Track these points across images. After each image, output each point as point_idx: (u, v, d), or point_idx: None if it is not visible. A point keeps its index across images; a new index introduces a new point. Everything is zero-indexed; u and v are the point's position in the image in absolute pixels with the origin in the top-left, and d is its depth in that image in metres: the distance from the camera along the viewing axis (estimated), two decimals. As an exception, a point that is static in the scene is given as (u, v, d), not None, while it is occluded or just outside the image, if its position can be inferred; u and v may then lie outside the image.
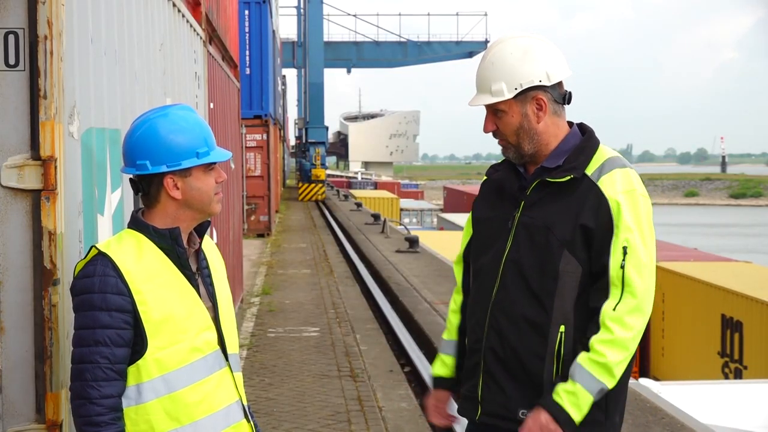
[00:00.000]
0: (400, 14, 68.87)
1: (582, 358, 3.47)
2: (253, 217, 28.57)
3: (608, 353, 3.44)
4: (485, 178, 3.95)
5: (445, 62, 78.64)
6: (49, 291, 3.53)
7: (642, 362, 21.62)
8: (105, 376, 3.11)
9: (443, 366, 4.00)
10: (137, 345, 3.17)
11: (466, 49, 74.73)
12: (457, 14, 75.13)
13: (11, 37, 3.54)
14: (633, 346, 3.49)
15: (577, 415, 3.45)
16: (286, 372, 10.78)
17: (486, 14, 72.33)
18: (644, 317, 3.49)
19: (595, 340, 3.45)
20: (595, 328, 3.48)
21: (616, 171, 3.57)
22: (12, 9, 3.53)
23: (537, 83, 3.62)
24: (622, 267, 3.47)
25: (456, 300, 4.04)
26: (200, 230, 3.47)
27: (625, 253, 3.48)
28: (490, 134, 3.74)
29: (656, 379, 15.33)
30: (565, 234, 3.53)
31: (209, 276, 3.45)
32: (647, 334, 21.46)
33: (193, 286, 3.32)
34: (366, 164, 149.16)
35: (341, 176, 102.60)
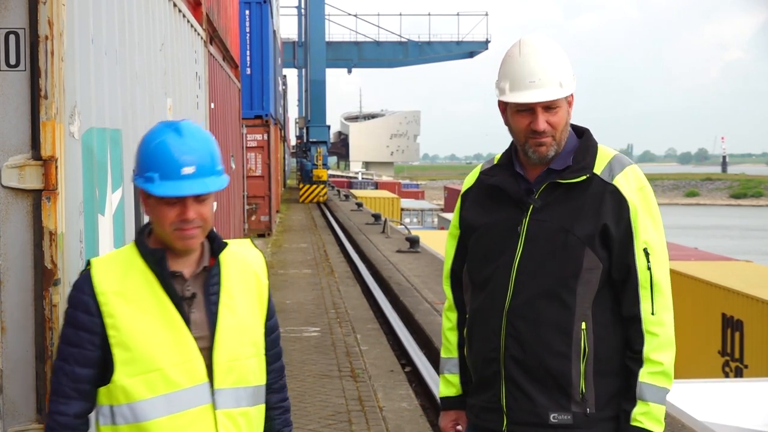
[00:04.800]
0: (401, 14, 68.89)
1: (643, 375, 3.51)
2: (253, 217, 28.58)
3: (664, 359, 3.51)
4: (470, 184, 3.85)
5: (445, 62, 78.62)
6: (50, 291, 3.53)
7: (643, 362, 21.57)
8: (64, 393, 3.04)
9: (450, 386, 3.94)
10: (108, 367, 3.03)
11: (466, 49, 74.70)
12: (458, 14, 75.11)
13: (12, 37, 3.54)
14: (674, 339, 3.57)
15: (660, 428, 3.55)
16: (286, 372, 10.72)
17: (487, 14, 72.29)
18: (672, 309, 3.60)
19: (648, 351, 3.51)
20: (639, 337, 3.53)
21: (627, 170, 3.59)
22: (13, 9, 3.54)
23: (575, 76, 3.66)
24: (649, 269, 3.53)
25: (450, 318, 3.95)
26: (216, 247, 3.18)
27: (647, 254, 3.52)
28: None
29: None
30: (586, 233, 3.50)
31: (216, 302, 3.13)
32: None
33: (181, 312, 3.06)
34: (367, 164, 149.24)
35: (342, 176, 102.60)
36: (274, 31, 35.44)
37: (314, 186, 48.95)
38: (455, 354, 3.91)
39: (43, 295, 3.54)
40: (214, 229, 3.18)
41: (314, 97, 49.84)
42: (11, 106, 3.55)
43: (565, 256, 3.51)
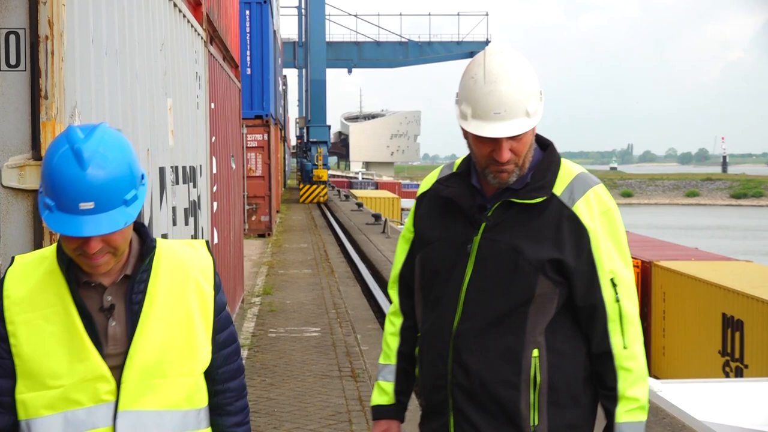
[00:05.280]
0: (401, 14, 68.88)
1: (620, 415, 3.33)
2: (254, 217, 28.59)
3: (639, 394, 3.34)
4: (426, 187, 3.60)
5: (446, 62, 78.63)
6: (51, 291, 3.52)
7: (643, 362, 21.59)
8: None
9: (383, 394, 3.68)
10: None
11: (467, 49, 74.67)
12: (458, 14, 75.14)
13: (12, 38, 3.55)
14: (647, 369, 3.39)
15: None
16: (287, 372, 10.77)
17: (487, 14, 72.32)
18: (642, 337, 3.39)
19: (623, 388, 3.33)
20: (612, 374, 3.33)
21: (589, 193, 3.33)
22: (13, 9, 3.54)
23: (542, 91, 3.37)
24: (618, 301, 3.32)
25: (395, 323, 3.69)
26: (144, 250, 2.81)
27: (614, 284, 3.32)
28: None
29: (657, 378, 15.34)
30: (538, 258, 3.26)
31: (138, 313, 2.75)
32: (648, 333, 21.49)
33: (87, 325, 2.71)
34: (367, 164, 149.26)
35: (342, 176, 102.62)
36: (275, 31, 35.45)
37: (314, 186, 48.94)
38: (393, 361, 3.68)
39: (44, 295, 3.53)
40: (145, 229, 2.86)
41: (314, 97, 49.82)
42: (11, 106, 3.55)
43: (516, 280, 3.28)
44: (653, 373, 19.79)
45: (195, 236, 8.25)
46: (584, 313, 3.35)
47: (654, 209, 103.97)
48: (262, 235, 28.84)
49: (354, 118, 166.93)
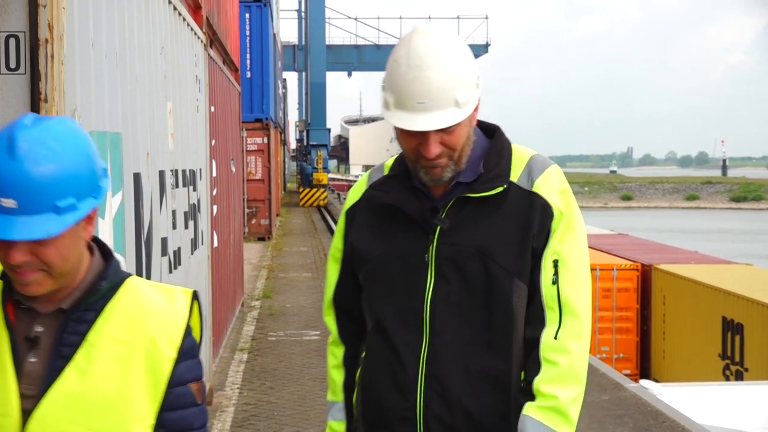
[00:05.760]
0: (401, 17, 68.85)
1: (529, 408, 2.84)
2: (253, 221, 28.59)
3: (559, 393, 2.83)
4: (356, 198, 3.15)
5: (445, 65, 78.71)
6: (50, 294, 3.52)
7: (643, 364, 21.63)
8: None
9: None
10: None
11: (466, 53, 74.65)
12: (458, 17, 75.11)
13: (12, 41, 3.54)
14: (584, 375, 2.92)
15: None
16: (287, 376, 10.77)
17: (487, 17, 72.29)
18: (588, 340, 2.93)
19: (539, 382, 2.85)
20: (536, 366, 2.87)
21: (548, 171, 2.96)
22: (13, 12, 3.54)
23: (480, 78, 2.95)
24: (555, 283, 2.88)
25: (336, 353, 3.33)
26: (96, 286, 2.29)
27: (556, 266, 2.89)
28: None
29: (657, 381, 15.36)
30: (509, 258, 2.88)
31: (68, 357, 2.22)
32: (648, 336, 21.50)
33: (15, 355, 2.24)
34: (367, 168, 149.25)
35: (342, 180, 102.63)
36: (274, 35, 35.46)
37: (314, 189, 48.81)
38: (341, 397, 3.30)
39: (43, 298, 3.52)
40: (113, 259, 2.39)
41: (314, 100, 49.78)
42: (11, 109, 3.54)
43: (489, 290, 2.87)
44: (653, 376, 19.81)
45: (195, 240, 8.24)
46: (528, 298, 2.94)
47: (654, 212, 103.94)
48: (262, 239, 28.84)
49: (354, 122, 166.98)
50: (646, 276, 21.79)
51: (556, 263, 2.90)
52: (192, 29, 8.21)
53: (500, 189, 2.90)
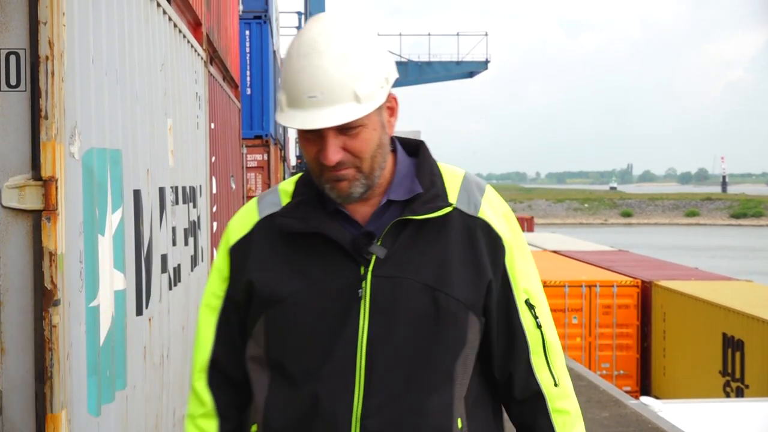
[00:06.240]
0: (400, 34, 69.02)
1: None
2: (253, 237, 28.57)
3: None
4: (243, 232, 2.65)
5: (445, 82, 78.86)
6: (50, 311, 3.52)
7: (644, 381, 21.61)
8: None
9: None
10: None
11: (466, 69, 74.78)
12: (457, 34, 75.30)
13: (12, 58, 3.55)
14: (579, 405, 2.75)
15: None
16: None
17: (486, 34, 72.45)
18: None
19: None
20: (546, 421, 2.64)
21: (487, 192, 2.63)
22: (13, 29, 3.54)
23: (394, 74, 2.55)
24: (539, 327, 2.60)
25: (205, 428, 2.71)
26: None
27: (530, 306, 2.60)
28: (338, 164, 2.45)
29: (657, 398, 15.34)
30: (464, 291, 2.49)
31: None
32: (648, 353, 21.49)
33: None
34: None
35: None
36: (275, 51, 35.52)
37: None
38: None
39: (43, 315, 3.53)
40: None
41: (314, 117, 49.77)
42: (11, 126, 3.55)
43: (439, 327, 2.46)
44: (654, 392, 19.78)
45: (194, 256, 8.24)
46: (500, 348, 2.60)
47: (654, 229, 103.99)
48: (261, 255, 28.81)
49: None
50: (646, 292, 21.79)
51: (529, 303, 2.60)
52: (192, 46, 8.22)
53: (447, 210, 2.52)
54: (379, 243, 2.48)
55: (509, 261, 2.56)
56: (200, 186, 8.81)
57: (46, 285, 3.52)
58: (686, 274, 23.57)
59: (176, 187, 6.97)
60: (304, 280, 2.50)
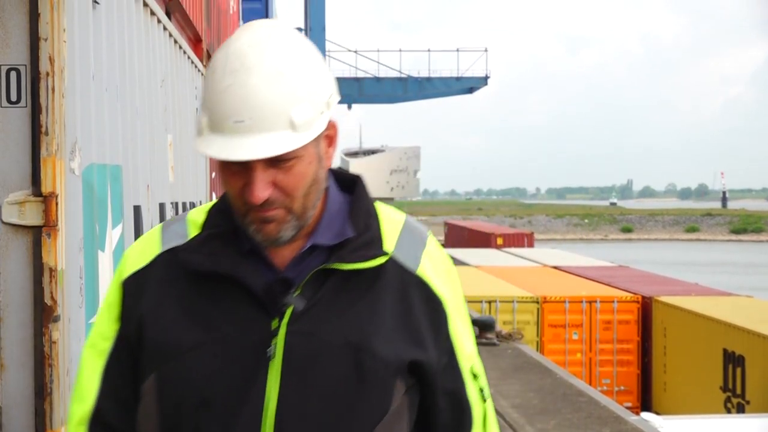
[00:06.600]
0: (400, 50, 69.08)
1: None
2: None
3: None
4: (143, 263, 2.20)
5: (445, 98, 78.93)
6: (50, 327, 3.52)
7: (644, 397, 21.58)
8: None
9: None
10: None
11: (466, 85, 74.81)
12: (457, 50, 75.26)
13: (13, 74, 3.55)
14: None
15: None
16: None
17: (486, 50, 72.52)
18: None
19: None
20: None
21: (429, 245, 2.26)
22: (14, 46, 3.55)
23: (336, 97, 2.13)
24: (485, 400, 2.28)
25: None
26: None
27: (475, 377, 2.26)
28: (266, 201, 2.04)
29: (658, 413, 15.31)
30: (395, 353, 2.10)
31: None
32: (649, 369, 21.45)
33: None
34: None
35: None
36: (275, 68, 35.60)
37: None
38: None
39: (43, 331, 3.52)
40: None
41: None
42: (12, 142, 3.55)
43: (361, 395, 2.07)
44: (655, 408, 19.74)
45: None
46: (443, 423, 2.23)
47: (654, 245, 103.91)
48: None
49: (354, 154, 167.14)
50: (646, 308, 21.76)
51: (473, 372, 2.26)
52: (192, 62, 8.24)
53: (382, 260, 2.13)
54: (297, 293, 2.08)
55: (452, 327, 2.20)
56: (201, 202, 8.81)
57: (46, 301, 3.52)
58: (687, 290, 23.53)
59: (176, 203, 6.97)
60: (205, 332, 2.08)
